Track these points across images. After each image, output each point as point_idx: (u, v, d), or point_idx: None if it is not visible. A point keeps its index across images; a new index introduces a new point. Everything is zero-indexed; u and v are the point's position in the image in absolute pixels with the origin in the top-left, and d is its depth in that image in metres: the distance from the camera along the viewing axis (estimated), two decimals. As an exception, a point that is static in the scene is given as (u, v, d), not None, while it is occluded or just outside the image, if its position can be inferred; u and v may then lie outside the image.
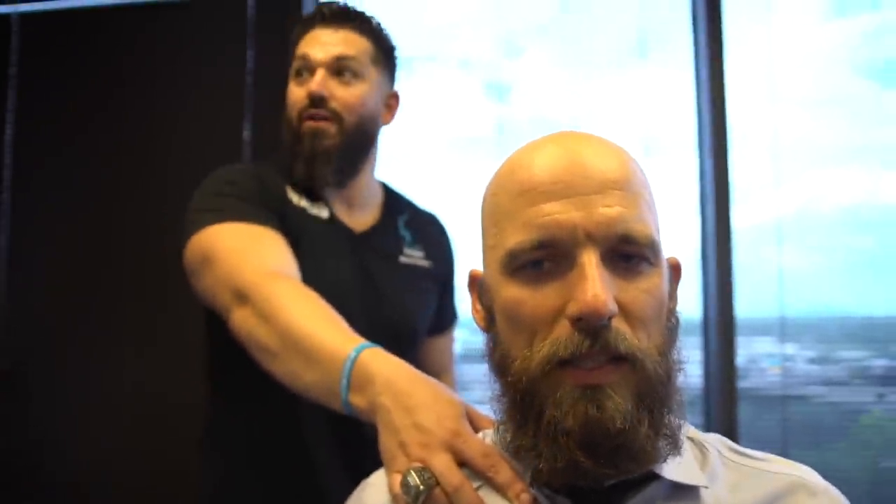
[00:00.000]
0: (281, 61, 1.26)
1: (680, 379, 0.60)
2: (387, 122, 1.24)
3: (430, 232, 1.32)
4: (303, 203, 1.15)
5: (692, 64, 2.06)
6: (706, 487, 0.62)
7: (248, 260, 0.97)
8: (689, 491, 0.62)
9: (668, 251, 0.65)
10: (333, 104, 1.14)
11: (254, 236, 1.02)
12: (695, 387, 1.98)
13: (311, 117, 1.14)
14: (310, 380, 0.82)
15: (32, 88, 2.17)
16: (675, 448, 0.59)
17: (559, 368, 0.56)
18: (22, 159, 2.16)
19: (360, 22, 1.18)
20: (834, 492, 0.66)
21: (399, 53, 1.25)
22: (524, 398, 0.57)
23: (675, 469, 0.61)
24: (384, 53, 1.21)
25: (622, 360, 0.55)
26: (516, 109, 2.16)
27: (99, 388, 1.99)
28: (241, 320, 0.92)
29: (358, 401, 0.76)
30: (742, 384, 1.96)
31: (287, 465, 1.08)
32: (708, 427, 2.01)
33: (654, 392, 0.56)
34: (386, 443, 0.70)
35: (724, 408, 1.97)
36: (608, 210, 0.56)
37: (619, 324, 0.56)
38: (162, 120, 2.08)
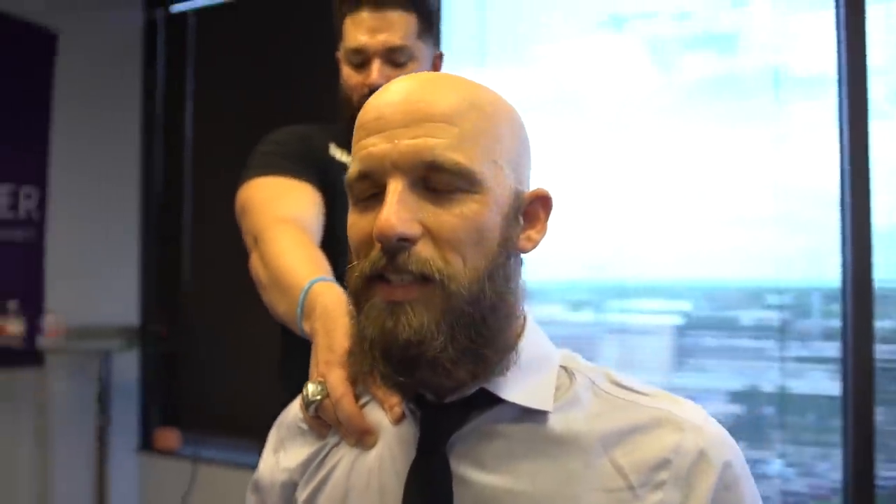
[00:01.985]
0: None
1: (509, 303, 0.62)
2: None
3: None
4: (344, 158, 1.25)
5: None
6: (550, 412, 0.63)
7: (269, 208, 1.09)
8: (538, 415, 0.63)
9: (537, 185, 0.67)
10: None
11: (284, 188, 1.15)
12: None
13: None
14: (281, 310, 0.93)
15: (205, 80, 2.54)
16: (497, 368, 0.62)
17: (372, 284, 0.61)
18: (199, 153, 2.53)
19: None
20: (711, 430, 0.62)
21: (438, 6, 1.25)
22: (352, 310, 0.64)
23: (520, 393, 0.63)
24: (428, 21, 1.24)
25: (429, 280, 0.59)
26: (742, 60, 2.04)
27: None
28: (253, 261, 1.06)
29: (307, 326, 0.85)
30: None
31: None
32: (844, 398, 1.82)
33: (460, 312, 0.58)
34: (311, 361, 0.79)
35: (859, 376, 1.78)
36: (413, 141, 0.59)
37: (423, 246, 0.59)
38: (306, 97, 2.33)
